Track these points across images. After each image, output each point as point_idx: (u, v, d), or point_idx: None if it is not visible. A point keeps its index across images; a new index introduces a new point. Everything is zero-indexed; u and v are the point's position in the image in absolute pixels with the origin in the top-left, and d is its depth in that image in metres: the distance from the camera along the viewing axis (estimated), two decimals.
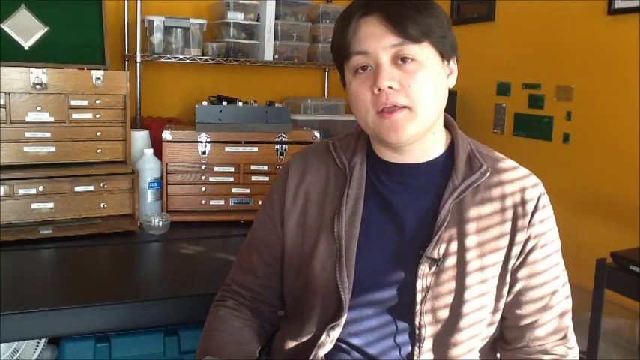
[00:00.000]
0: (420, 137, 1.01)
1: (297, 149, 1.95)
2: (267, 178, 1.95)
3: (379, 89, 0.95)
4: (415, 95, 0.95)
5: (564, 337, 1.05)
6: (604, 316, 1.84)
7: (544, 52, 2.57)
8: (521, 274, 1.02)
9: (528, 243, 1.02)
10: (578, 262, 2.07)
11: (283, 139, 1.96)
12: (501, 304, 1.03)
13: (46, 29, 1.96)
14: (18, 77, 1.63)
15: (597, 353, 1.83)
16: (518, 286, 1.03)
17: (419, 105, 0.96)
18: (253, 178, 1.95)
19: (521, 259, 1.02)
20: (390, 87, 0.95)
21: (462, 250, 1.00)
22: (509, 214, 1.02)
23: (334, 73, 3.18)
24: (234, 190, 1.94)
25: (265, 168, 1.95)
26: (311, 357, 1.03)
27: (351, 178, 1.06)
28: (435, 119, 1.01)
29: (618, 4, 2.24)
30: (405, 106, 0.96)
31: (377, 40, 0.95)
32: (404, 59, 0.95)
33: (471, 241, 1.01)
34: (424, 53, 0.96)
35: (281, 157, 1.96)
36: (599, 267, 1.81)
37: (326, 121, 2.81)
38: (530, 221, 1.02)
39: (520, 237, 1.01)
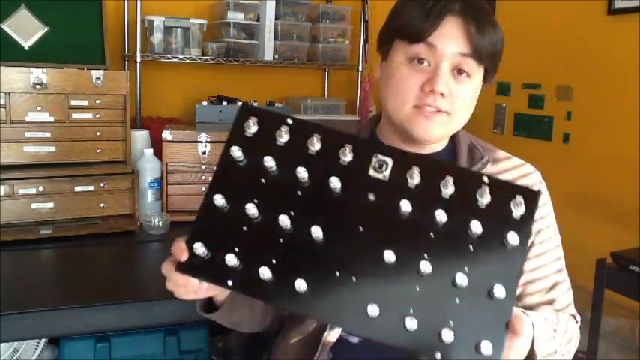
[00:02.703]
0: (446, 137, 1.05)
1: None
2: None
3: (431, 90, 0.95)
4: (458, 106, 0.98)
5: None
6: (604, 316, 1.84)
7: (544, 52, 2.57)
8: (524, 268, 1.03)
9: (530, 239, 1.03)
10: (578, 262, 2.06)
11: None
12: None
13: (46, 29, 1.96)
14: (18, 77, 1.63)
15: (597, 353, 1.83)
16: (521, 281, 1.04)
17: (457, 114, 0.99)
18: None
19: None
20: (443, 94, 0.96)
21: None
22: None
23: (334, 73, 3.18)
24: None
25: None
26: (316, 357, 1.03)
27: None
28: (459, 129, 1.05)
29: (618, 4, 2.25)
30: (445, 112, 0.98)
31: (450, 43, 0.95)
32: (460, 71, 0.97)
33: None
34: (479, 71, 0.99)
35: None
36: (599, 267, 1.81)
37: (326, 121, 2.81)
38: None
39: None
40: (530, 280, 1.04)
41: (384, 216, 0.75)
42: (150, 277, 1.54)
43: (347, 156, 0.76)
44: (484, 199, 0.73)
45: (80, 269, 1.52)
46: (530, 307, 1.04)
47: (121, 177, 1.77)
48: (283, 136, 0.78)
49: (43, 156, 1.69)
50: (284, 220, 0.75)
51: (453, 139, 1.09)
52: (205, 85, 2.79)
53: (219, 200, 0.77)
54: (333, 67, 3.05)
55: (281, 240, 0.76)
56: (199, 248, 0.76)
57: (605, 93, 2.33)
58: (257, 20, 2.74)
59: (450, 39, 0.95)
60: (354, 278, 0.73)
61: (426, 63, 0.96)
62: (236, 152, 0.78)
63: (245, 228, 0.77)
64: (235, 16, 2.67)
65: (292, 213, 0.76)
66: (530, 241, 1.03)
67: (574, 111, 2.45)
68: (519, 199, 0.72)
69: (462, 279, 0.71)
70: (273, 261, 0.75)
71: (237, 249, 0.76)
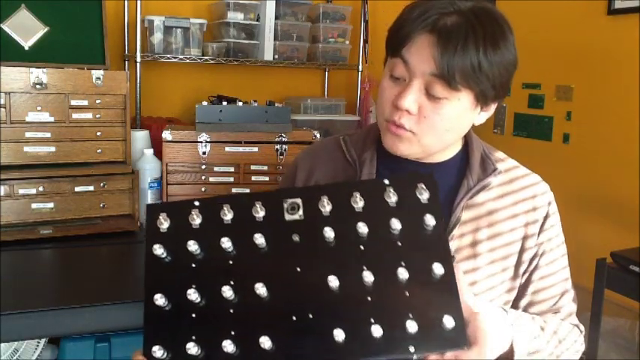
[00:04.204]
0: (422, 156, 1.00)
1: (297, 149, 1.95)
2: (267, 178, 1.95)
3: (396, 106, 0.93)
4: (426, 128, 0.93)
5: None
6: (604, 316, 1.84)
7: (544, 52, 2.57)
8: (533, 277, 1.03)
9: (540, 248, 1.03)
10: (578, 262, 2.06)
11: (283, 139, 1.96)
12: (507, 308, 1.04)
13: (46, 29, 1.96)
14: (18, 77, 1.63)
15: (597, 353, 1.83)
16: (531, 289, 1.03)
17: (425, 137, 0.95)
18: (253, 178, 1.95)
19: (534, 263, 1.03)
20: (408, 111, 0.92)
21: (473, 256, 1.00)
22: (522, 220, 1.03)
23: (334, 73, 3.18)
24: (234, 190, 1.94)
25: (265, 168, 1.95)
26: None
27: (361, 174, 1.04)
28: (439, 149, 1.00)
29: (618, 4, 2.25)
30: (410, 130, 0.94)
31: (421, 61, 0.90)
32: (434, 94, 0.92)
33: (482, 247, 1.00)
34: (457, 95, 0.92)
35: (281, 157, 1.96)
36: (599, 267, 1.81)
37: (326, 121, 2.81)
38: (541, 227, 1.03)
39: (531, 243, 1.02)
40: (538, 289, 1.03)
41: (314, 249, 0.79)
42: None
43: (260, 212, 0.80)
44: (392, 198, 0.79)
45: (80, 269, 1.52)
46: (537, 314, 1.03)
47: (121, 177, 1.77)
48: (196, 219, 0.81)
49: (43, 156, 1.69)
50: (227, 292, 0.78)
51: (466, 147, 1.06)
52: (205, 85, 2.79)
53: (159, 300, 0.80)
54: (333, 67, 3.05)
55: (231, 310, 0.78)
56: (157, 352, 0.77)
57: (605, 93, 2.33)
58: (257, 20, 2.74)
59: (420, 57, 0.90)
60: (310, 315, 0.76)
61: (402, 79, 0.94)
62: (158, 250, 0.82)
63: (194, 315, 0.79)
64: (235, 16, 2.67)
65: (232, 282, 0.78)
66: (541, 251, 1.03)
67: (574, 111, 2.45)
68: (421, 185, 0.79)
69: (402, 273, 0.75)
70: (232, 332, 0.77)
71: (194, 337, 0.77)
